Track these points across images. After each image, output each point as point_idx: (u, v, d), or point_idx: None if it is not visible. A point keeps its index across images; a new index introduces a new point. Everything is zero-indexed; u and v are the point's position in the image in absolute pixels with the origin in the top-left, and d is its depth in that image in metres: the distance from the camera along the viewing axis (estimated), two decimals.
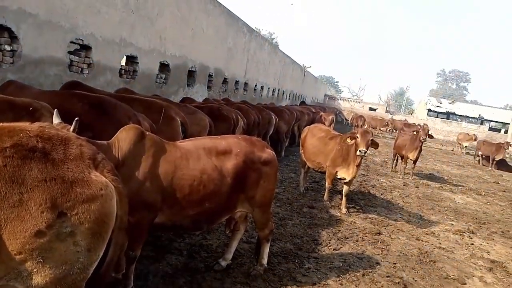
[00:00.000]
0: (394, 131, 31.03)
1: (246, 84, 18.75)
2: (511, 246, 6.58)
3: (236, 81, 17.21)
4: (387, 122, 30.38)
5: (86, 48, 7.61)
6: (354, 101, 56.21)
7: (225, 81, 15.80)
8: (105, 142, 3.00)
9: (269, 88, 23.63)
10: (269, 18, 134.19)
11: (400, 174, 11.93)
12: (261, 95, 21.80)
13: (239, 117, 7.51)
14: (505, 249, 6.40)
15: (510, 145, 20.20)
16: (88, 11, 7.44)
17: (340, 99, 54.98)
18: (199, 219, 3.50)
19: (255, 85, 20.44)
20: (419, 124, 24.91)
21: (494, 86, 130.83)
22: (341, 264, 4.61)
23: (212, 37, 13.81)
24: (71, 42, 7.19)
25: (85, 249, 1.99)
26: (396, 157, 12.89)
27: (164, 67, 10.78)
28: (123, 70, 8.98)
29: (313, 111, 19.12)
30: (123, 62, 9.25)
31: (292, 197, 7.33)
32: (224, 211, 3.67)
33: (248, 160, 3.61)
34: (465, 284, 4.70)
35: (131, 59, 9.31)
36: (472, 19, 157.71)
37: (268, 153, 3.82)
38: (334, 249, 5.09)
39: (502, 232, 7.44)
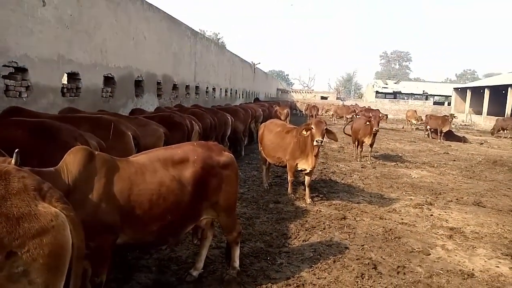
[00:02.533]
0: (357, 116, 31.77)
1: (197, 87, 18.55)
2: (466, 212, 6.99)
3: (186, 85, 16.98)
4: (354, 109, 31.21)
5: (21, 70, 7.18)
6: (305, 92, 57.27)
7: (175, 87, 15.53)
8: (52, 168, 2.85)
9: (221, 89, 23.54)
10: (213, 19, 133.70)
11: (357, 158, 12.24)
12: (214, 97, 21.68)
13: (193, 122, 7.40)
14: (461, 215, 6.79)
15: (454, 116, 21.44)
16: (19, 32, 7.01)
17: (292, 91, 55.83)
18: (164, 233, 3.41)
19: (207, 88, 20.28)
20: (378, 110, 25.84)
21: (434, 61, 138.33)
22: (312, 254, 4.68)
23: (155, 44, 13.53)
24: (4, 65, 6.75)
25: (43, 286, 1.87)
26: (355, 142, 12.87)
27: (108, 80, 10.40)
28: (66, 89, 8.57)
29: (268, 106, 19.29)
30: (65, 80, 8.83)
31: (257, 195, 7.35)
32: (189, 221, 3.60)
33: (207, 166, 3.55)
34: (430, 254, 4.92)
35: (72, 76, 8.90)
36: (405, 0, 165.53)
37: (226, 156, 3.78)
38: (303, 241, 5.15)
39: (457, 199, 7.88)
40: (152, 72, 13.25)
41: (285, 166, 7.33)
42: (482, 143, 19.53)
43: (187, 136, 6.91)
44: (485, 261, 4.82)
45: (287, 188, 7.52)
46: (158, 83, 13.87)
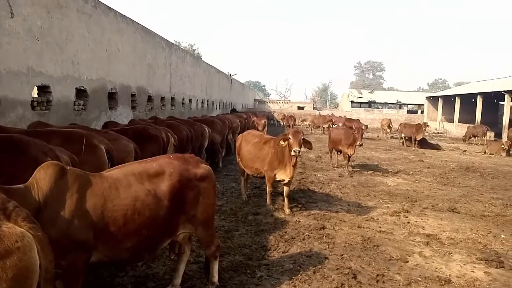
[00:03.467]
0: (333, 126, 32.19)
1: (172, 99, 18.41)
2: (441, 218, 7.12)
3: (161, 97, 16.83)
4: (330, 119, 31.62)
5: None
6: (282, 102, 57.78)
7: (150, 98, 15.36)
8: (21, 185, 2.72)
9: (197, 100, 23.44)
10: (188, 30, 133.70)
11: (335, 166, 12.31)
12: (190, 108, 21.55)
13: (169, 134, 7.29)
14: (437, 221, 6.91)
15: (428, 125, 22.02)
16: None
17: (269, 102, 56.22)
18: (139, 249, 3.30)
19: (183, 99, 20.15)
20: (358, 120, 26.12)
21: (407, 71, 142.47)
22: (292, 266, 4.63)
23: (129, 55, 13.37)
24: None
25: None
26: (332, 151, 12.88)
27: (81, 92, 10.18)
28: (36, 102, 8.32)
29: (245, 117, 19.31)
30: (35, 93, 8.56)
31: (236, 207, 7.27)
32: (165, 236, 3.51)
33: (184, 178, 3.48)
34: (408, 262, 4.96)
35: (43, 89, 8.66)
36: (377, 11, 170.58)
37: (203, 168, 3.72)
38: (283, 252, 5.10)
39: (432, 206, 8.03)
40: (126, 84, 13.06)
41: (264, 177, 7.30)
42: (465, 150, 19.97)
43: (163, 148, 6.79)
44: (461, 267, 4.89)
45: (266, 199, 7.48)
46: (133, 95, 13.68)
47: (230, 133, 14.23)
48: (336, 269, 4.59)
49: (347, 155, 11.60)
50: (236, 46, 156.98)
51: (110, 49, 11.85)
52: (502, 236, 6.20)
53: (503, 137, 25.10)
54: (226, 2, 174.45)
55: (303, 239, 5.59)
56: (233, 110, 29.74)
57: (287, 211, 6.92)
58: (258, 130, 16.32)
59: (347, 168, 11.89)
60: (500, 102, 38.34)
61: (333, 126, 31.93)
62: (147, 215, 3.20)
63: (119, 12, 12.48)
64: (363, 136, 12.22)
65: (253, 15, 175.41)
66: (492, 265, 4.93)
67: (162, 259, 4.62)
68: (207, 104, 26.27)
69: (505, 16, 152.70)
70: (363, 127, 17.03)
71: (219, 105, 30.80)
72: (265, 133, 16.74)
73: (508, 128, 24.20)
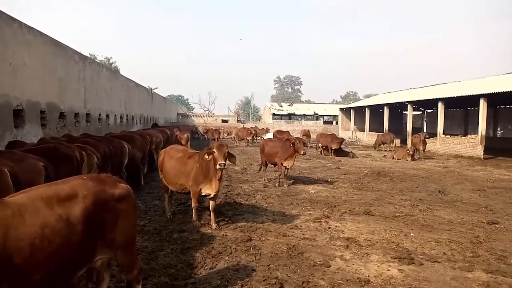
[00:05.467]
0: (257, 138, 32.79)
1: (88, 115, 17.33)
2: (358, 221, 7.59)
3: (75, 113, 15.75)
4: (252, 131, 32.08)
5: None
6: (206, 115, 57.59)
7: (62, 115, 14.28)
8: None
9: (115, 115, 22.36)
10: (105, 44, 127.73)
11: (267, 181, 12.24)
12: (108, 124, 20.47)
13: (83, 153, 6.80)
14: (355, 225, 7.35)
15: (343, 139, 23.40)
16: None
17: (193, 115, 55.67)
18: (51, 280, 2.99)
19: (99, 115, 19.08)
20: (288, 132, 26.75)
21: (322, 85, 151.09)
22: (219, 282, 4.56)
23: (38, 69, 12.34)
24: None
25: None
26: (265, 164, 12.51)
27: None
28: None
29: (168, 131, 18.84)
30: None
31: (160, 225, 7.00)
32: (81, 263, 3.23)
33: (99, 200, 3.25)
34: (330, 266, 5.18)
35: None
36: (293, 27, 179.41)
37: (121, 188, 3.51)
38: (210, 268, 5.01)
39: (350, 210, 8.53)
40: (34, 100, 12.01)
41: (189, 193, 7.14)
42: (396, 159, 21.43)
43: (77, 168, 6.31)
44: (378, 266, 5.23)
45: (192, 215, 7.32)
46: (42, 112, 12.61)
47: (153, 148, 13.76)
48: (264, 280, 4.63)
49: (285, 168, 11.52)
50: (157, 60, 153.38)
51: (15, 63, 10.83)
52: (411, 234, 6.78)
53: (408, 143, 27.75)
54: (144, 16, 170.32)
55: (230, 253, 5.56)
56: (155, 125, 28.83)
57: (214, 225, 6.84)
58: (181, 144, 16.02)
59: (285, 180, 11.69)
60: (404, 112, 42.40)
61: (258, 138, 32.74)
62: (58, 242, 2.92)
63: (24, 23, 11.49)
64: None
65: (175, 29, 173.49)
66: (404, 262, 5.35)
67: None
68: (127, 119, 25.18)
69: (403, 35, 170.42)
70: (303, 137, 17.55)
71: (140, 120, 29.70)
72: (189, 147, 16.51)
73: (412, 135, 26.80)
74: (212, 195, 6.89)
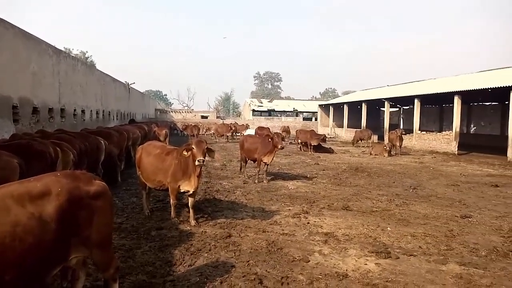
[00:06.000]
0: (237, 134, 32.76)
1: (62, 110, 16.88)
2: (336, 217, 7.68)
3: (49, 108, 15.32)
4: (231, 127, 31.97)
5: None
6: (186, 111, 57.09)
7: (35, 110, 13.86)
8: None
9: (91, 111, 21.87)
10: (81, 38, 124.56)
11: (247, 177, 12.18)
12: (84, 120, 20.01)
13: (58, 150, 6.61)
14: (333, 220, 7.43)
15: (325, 135, 23.64)
16: None
17: (172, 111, 55.07)
18: (23, 280, 2.89)
19: (74, 110, 18.62)
20: (268, 128, 26.73)
21: (302, 81, 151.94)
22: (198, 279, 4.53)
23: (9, 63, 11.93)
24: None
25: None
26: (245, 160, 12.48)
27: None
28: None
29: (146, 127, 18.58)
30: None
31: (138, 223, 6.89)
32: (55, 262, 3.13)
33: (74, 197, 3.16)
34: (309, 261, 5.22)
35: None
36: (273, 25, 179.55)
37: (97, 184, 3.42)
38: (189, 266, 4.97)
39: (328, 205, 8.62)
40: (5, 94, 11.61)
41: (167, 190, 7.05)
42: (373, 155, 21.66)
43: (51, 165, 6.13)
44: (356, 261, 5.31)
45: (170, 212, 7.24)
46: (14, 107, 12.20)
47: (130, 144, 13.53)
48: (243, 276, 4.62)
49: (265, 164, 11.54)
50: (134, 55, 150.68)
51: None
52: (388, 228, 6.91)
53: (384, 139, 28.24)
54: (121, 10, 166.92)
55: (210, 250, 5.53)
56: (132, 121, 28.34)
57: (193, 222, 6.78)
58: (159, 140, 15.82)
59: (265, 176, 11.68)
60: (381, 108, 43.16)
61: (238, 134, 32.70)
62: (30, 241, 2.82)
63: None
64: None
65: (152, 24, 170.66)
66: (381, 256, 5.44)
67: None
68: (103, 115, 24.66)
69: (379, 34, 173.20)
70: (283, 134, 17.64)
71: (117, 116, 29.15)
72: (167, 143, 16.32)
73: (389, 131, 27.29)
74: (191, 192, 6.83)
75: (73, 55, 31.97)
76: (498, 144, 25.41)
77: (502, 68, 28.28)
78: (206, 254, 5.35)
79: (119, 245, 5.58)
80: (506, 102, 22.73)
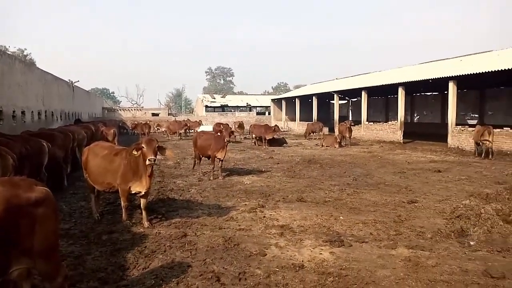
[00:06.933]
0: (190, 131, 32.17)
1: (0, 112, 15.71)
2: (291, 209, 7.80)
3: None
4: (186, 124, 31.34)
5: None
6: (135, 109, 55.35)
7: None
8: None
9: (32, 112, 20.54)
10: (19, 34, 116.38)
11: (210, 177, 11.54)
12: (24, 122, 18.76)
13: None
14: (288, 212, 7.54)
15: (277, 126, 23.94)
16: None
17: (120, 109, 53.15)
18: None
19: (13, 112, 17.40)
20: (227, 124, 26.41)
21: (254, 76, 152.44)
22: (153, 282, 4.40)
23: None
24: None
25: None
26: (199, 157, 12.23)
27: None
28: None
29: (92, 127, 17.76)
30: None
31: (87, 228, 6.58)
32: None
33: (12, 206, 2.94)
34: (266, 255, 5.25)
35: None
36: (222, 17, 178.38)
37: (38, 191, 3.20)
38: (143, 268, 4.82)
39: (283, 198, 8.73)
40: None
41: (117, 192, 6.78)
42: (325, 146, 22.18)
43: None
44: (311, 251, 5.42)
45: (122, 215, 6.98)
46: None
47: (75, 146, 12.88)
48: (200, 275, 4.56)
49: (219, 160, 11.47)
50: (77, 52, 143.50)
51: None
52: (341, 217, 7.12)
53: (335, 131, 29.12)
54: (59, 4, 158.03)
55: (165, 251, 5.40)
56: (78, 121, 26.93)
57: (146, 224, 6.59)
58: (108, 141, 15.22)
59: (220, 173, 11.58)
60: (331, 101, 44.36)
61: (191, 131, 32.21)
62: None
63: None
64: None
65: (97, 20, 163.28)
66: (335, 245, 5.60)
67: None
68: (46, 116, 23.26)
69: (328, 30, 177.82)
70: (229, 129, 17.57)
71: (61, 116, 27.62)
72: (116, 143, 15.75)
73: (339, 123, 28.16)
74: (142, 193, 6.61)
75: (9, 52, 29.85)
76: (439, 131, 27.06)
77: (442, 59, 30.11)
78: (161, 256, 5.22)
79: (67, 252, 5.30)
80: (446, 92, 24.21)
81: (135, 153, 6.29)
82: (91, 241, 5.86)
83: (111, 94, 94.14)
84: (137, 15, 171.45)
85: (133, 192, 6.65)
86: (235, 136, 15.27)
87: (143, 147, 6.23)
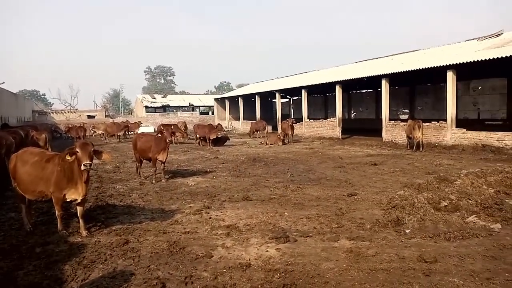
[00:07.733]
0: (129, 133, 31.01)
1: None
2: (237, 208, 7.79)
3: None
4: (126, 125, 30.03)
5: None
6: (69, 111, 52.34)
7: None
8: None
9: None
10: None
11: (152, 180, 11.12)
12: None
13: None
14: (234, 211, 7.52)
15: (221, 125, 23.84)
16: None
17: (52, 112, 49.95)
18: None
19: None
20: (176, 125, 25.55)
21: (196, 75, 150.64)
22: None
23: None
24: None
25: None
26: (140, 160, 11.84)
27: None
28: None
29: (21, 132, 16.45)
30: None
31: (18, 240, 6.07)
32: None
33: None
34: (212, 256, 5.19)
35: None
36: (162, 19, 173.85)
37: None
38: (82, 280, 4.53)
39: (229, 198, 8.70)
40: None
41: (51, 200, 6.32)
42: (269, 144, 22.30)
43: None
44: (258, 249, 5.44)
45: (57, 225, 6.52)
46: None
47: (3, 153, 11.84)
48: (144, 283, 4.38)
49: (161, 162, 11.21)
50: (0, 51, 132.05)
51: None
52: (286, 214, 7.24)
53: (278, 129, 29.65)
54: None
55: (105, 260, 5.12)
56: (5, 125, 24.81)
57: (84, 232, 6.21)
58: (39, 146, 14.21)
59: (163, 175, 11.33)
60: (273, 100, 45.12)
61: (130, 133, 31.07)
62: None
63: None
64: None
65: (21, 16, 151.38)
66: (281, 241, 5.67)
67: None
68: None
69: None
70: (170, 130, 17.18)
71: None
72: (49, 149, 14.76)
73: (281, 121, 28.69)
74: (79, 200, 6.23)
75: None
76: (374, 126, 28.58)
77: (375, 58, 31.82)
78: (101, 265, 4.95)
79: None
80: (379, 89, 25.63)
81: (69, 158, 5.90)
82: (23, 255, 5.41)
83: (42, 96, 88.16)
84: (66, 9, 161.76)
85: (68, 200, 6.24)
86: (176, 137, 15.15)
87: (77, 152, 5.86)
